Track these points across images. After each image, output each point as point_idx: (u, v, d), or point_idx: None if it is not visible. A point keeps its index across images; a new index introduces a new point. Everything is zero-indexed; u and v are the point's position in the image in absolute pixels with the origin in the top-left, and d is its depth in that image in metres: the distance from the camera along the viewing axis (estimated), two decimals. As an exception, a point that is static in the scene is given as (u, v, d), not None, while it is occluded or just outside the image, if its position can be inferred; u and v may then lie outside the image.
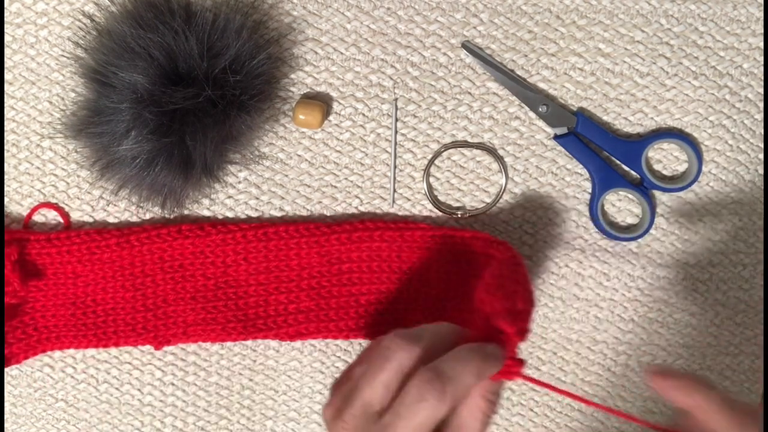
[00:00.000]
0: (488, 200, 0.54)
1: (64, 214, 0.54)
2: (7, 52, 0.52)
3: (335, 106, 0.53)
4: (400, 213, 0.54)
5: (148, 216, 0.54)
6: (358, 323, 0.54)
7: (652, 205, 0.54)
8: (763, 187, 0.55)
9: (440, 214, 0.54)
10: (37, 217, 0.54)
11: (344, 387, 0.42)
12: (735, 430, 0.39)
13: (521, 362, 0.41)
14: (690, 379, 0.41)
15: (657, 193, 0.55)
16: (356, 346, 0.56)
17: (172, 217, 0.54)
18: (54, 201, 0.54)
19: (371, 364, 0.41)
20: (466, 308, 0.52)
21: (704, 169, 0.54)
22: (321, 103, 0.52)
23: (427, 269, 0.53)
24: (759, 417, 0.39)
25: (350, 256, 0.53)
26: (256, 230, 0.53)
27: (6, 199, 0.54)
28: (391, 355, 0.40)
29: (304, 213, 0.54)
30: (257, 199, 0.54)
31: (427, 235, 0.53)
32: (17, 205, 0.54)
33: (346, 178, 0.54)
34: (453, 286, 0.53)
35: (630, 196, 0.55)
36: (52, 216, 0.54)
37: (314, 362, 0.56)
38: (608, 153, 0.54)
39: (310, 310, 0.54)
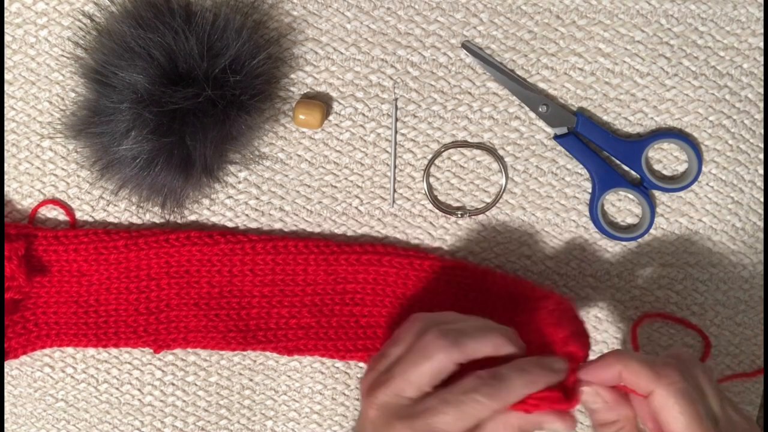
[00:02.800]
0: (488, 200, 0.54)
1: (70, 212, 0.54)
2: (7, 52, 0.52)
3: (335, 106, 0.53)
4: (399, 213, 0.54)
5: (148, 216, 0.54)
6: (356, 344, 0.54)
7: (652, 205, 0.54)
8: (763, 187, 0.55)
9: (440, 213, 0.54)
10: (41, 216, 0.54)
11: (379, 364, 0.44)
12: (654, 376, 0.41)
13: (575, 391, 0.43)
14: (607, 355, 0.43)
15: (657, 193, 0.55)
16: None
17: (171, 217, 0.54)
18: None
19: (410, 358, 0.43)
20: None
21: (704, 169, 0.54)
22: (321, 103, 0.52)
23: (431, 299, 0.53)
24: (674, 359, 0.42)
25: (356, 277, 0.53)
26: (265, 243, 0.53)
27: (6, 199, 0.54)
28: (430, 355, 0.42)
29: (304, 213, 0.54)
30: (257, 199, 0.54)
31: (436, 265, 0.53)
32: (17, 205, 0.54)
33: (346, 178, 0.54)
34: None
35: (630, 196, 0.55)
36: (52, 216, 0.54)
37: (314, 362, 0.56)
38: (608, 153, 0.54)
39: (310, 326, 0.54)
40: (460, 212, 0.54)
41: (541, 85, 0.53)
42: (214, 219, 0.55)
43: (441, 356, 0.42)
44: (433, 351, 0.42)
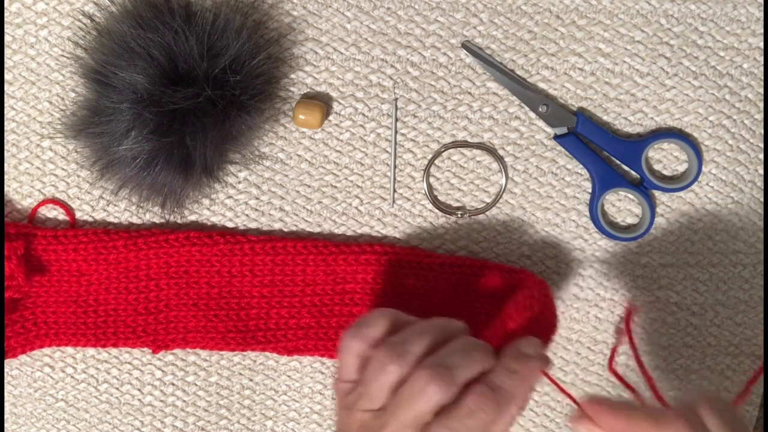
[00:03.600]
0: (488, 200, 0.54)
1: (70, 212, 0.54)
2: (7, 52, 0.52)
3: (335, 106, 0.53)
4: (399, 213, 0.54)
5: (148, 216, 0.54)
6: None
7: (652, 205, 0.54)
8: (763, 187, 0.55)
9: (440, 213, 0.54)
10: (41, 216, 0.54)
11: (358, 404, 0.42)
12: (655, 427, 0.40)
13: None
14: (618, 403, 0.42)
15: (657, 193, 0.55)
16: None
17: (171, 217, 0.54)
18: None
19: (403, 400, 0.41)
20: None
21: (704, 169, 0.54)
22: (321, 103, 0.52)
23: (431, 297, 0.53)
24: (686, 408, 0.41)
25: (355, 277, 0.53)
26: (264, 243, 0.53)
27: (6, 199, 0.54)
28: (426, 397, 0.40)
29: (304, 213, 0.54)
30: (257, 199, 0.54)
31: (435, 263, 0.53)
32: (17, 205, 0.54)
33: (346, 178, 0.54)
34: (458, 316, 0.53)
35: (630, 196, 0.55)
36: (52, 215, 0.54)
37: (314, 362, 0.56)
38: (608, 153, 0.54)
39: (310, 327, 0.54)
40: (460, 212, 0.54)
41: (541, 85, 0.53)
42: (214, 219, 0.55)
43: (440, 396, 0.40)
44: (431, 393, 0.40)
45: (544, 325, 0.47)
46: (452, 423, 0.40)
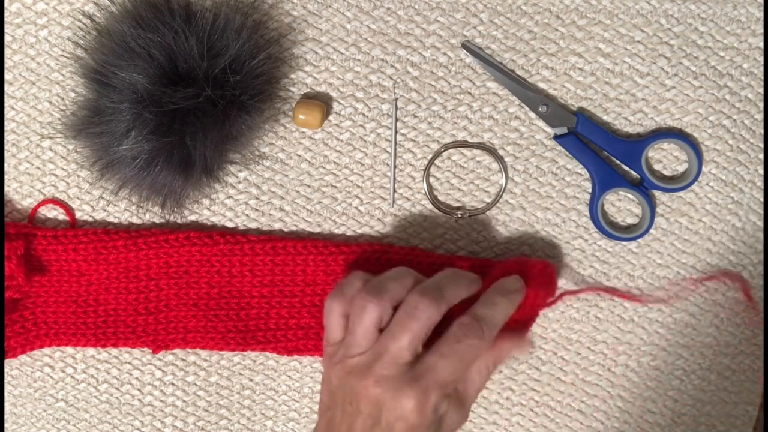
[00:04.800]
0: (488, 200, 0.54)
1: (70, 212, 0.54)
2: (7, 52, 0.52)
3: (335, 106, 0.53)
4: (399, 213, 0.54)
5: (148, 216, 0.54)
6: None
7: (652, 205, 0.54)
8: (763, 187, 0.55)
9: (440, 213, 0.54)
10: (41, 216, 0.54)
11: (351, 349, 0.45)
12: None
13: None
14: None
15: (657, 193, 0.55)
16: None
17: (171, 217, 0.54)
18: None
19: (398, 327, 0.45)
20: None
21: (704, 169, 0.54)
22: (321, 103, 0.52)
23: None
24: None
25: None
26: (264, 243, 0.53)
27: (6, 199, 0.54)
28: (418, 315, 0.44)
29: (304, 213, 0.54)
30: (257, 199, 0.54)
31: (435, 263, 0.53)
32: (17, 205, 0.54)
33: (346, 178, 0.54)
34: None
35: (630, 196, 0.55)
36: (52, 215, 0.54)
37: (314, 362, 0.56)
38: (608, 153, 0.54)
39: (310, 327, 0.54)
40: (460, 212, 0.54)
41: (541, 85, 0.53)
42: (214, 219, 0.55)
43: (431, 313, 0.45)
44: (422, 311, 0.44)
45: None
46: (442, 348, 0.44)
